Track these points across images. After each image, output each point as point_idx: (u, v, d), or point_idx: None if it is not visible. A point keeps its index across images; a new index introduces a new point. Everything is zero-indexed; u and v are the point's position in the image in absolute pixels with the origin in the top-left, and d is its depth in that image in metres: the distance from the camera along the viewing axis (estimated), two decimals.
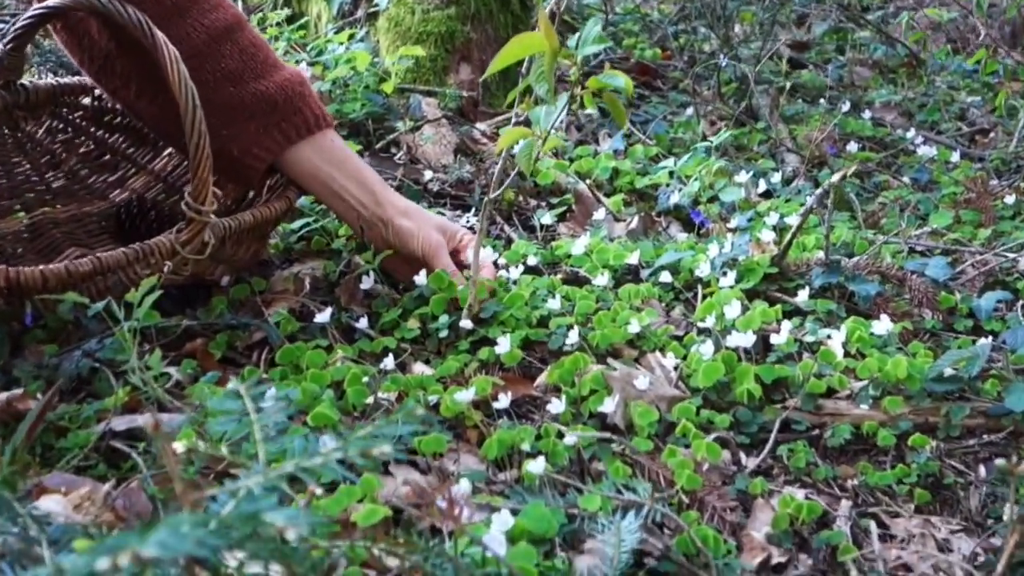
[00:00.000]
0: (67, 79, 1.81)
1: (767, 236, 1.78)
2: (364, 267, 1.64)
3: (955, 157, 2.44)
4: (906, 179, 2.35)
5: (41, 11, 1.49)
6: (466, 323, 1.52)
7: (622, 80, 1.30)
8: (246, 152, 1.57)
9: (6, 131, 1.80)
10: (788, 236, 1.67)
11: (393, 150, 2.25)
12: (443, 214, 1.99)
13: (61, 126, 1.85)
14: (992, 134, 2.80)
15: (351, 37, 2.53)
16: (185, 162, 1.86)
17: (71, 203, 1.84)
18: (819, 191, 1.70)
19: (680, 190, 2.07)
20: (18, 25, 1.56)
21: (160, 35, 1.38)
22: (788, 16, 3.85)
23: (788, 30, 3.84)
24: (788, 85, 2.91)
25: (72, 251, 1.76)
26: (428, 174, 2.14)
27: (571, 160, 2.25)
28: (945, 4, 4.02)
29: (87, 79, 1.77)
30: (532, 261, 1.75)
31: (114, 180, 1.88)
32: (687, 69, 2.91)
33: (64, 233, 1.79)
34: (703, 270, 1.68)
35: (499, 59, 1.31)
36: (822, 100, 2.96)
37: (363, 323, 1.55)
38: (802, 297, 1.61)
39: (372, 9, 2.60)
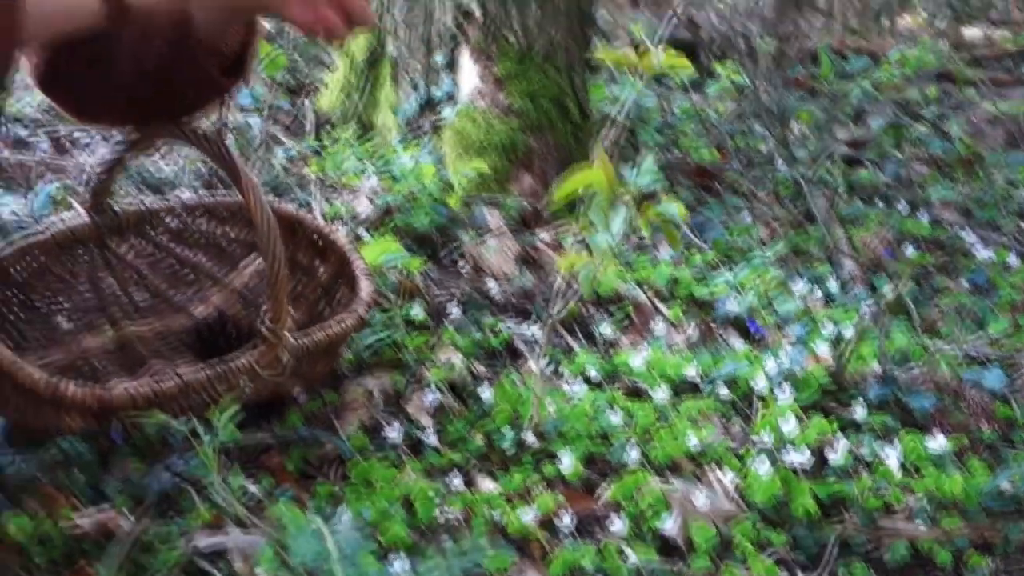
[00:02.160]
0: (153, 203, 1.92)
1: (823, 349, 1.82)
2: (431, 380, 1.71)
3: (1013, 259, 2.46)
4: (963, 281, 2.36)
5: (131, 140, 1.63)
6: (529, 437, 1.58)
7: (676, 210, 1.37)
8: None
9: (95, 250, 1.91)
10: (843, 351, 1.71)
11: (458, 260, 2.33)
12: (507, 324, 2.05)
13: (146, 245, 1.96)
14: None
15: (417, 148, 2.64)
16: (261, 279, 1.97)
17: (154, 319, 1.94)
18: (872, 307, 1.74)
19: (737, 299, 2.12)
20: (109, 157, 1.70)
21: (243, 168, 1.49)
22: (845, 112, 3.91)
23: (845, 127, 3.90)
24: (845, 186, 2.95)
25: (154, 363, 1.85)
26: (492, 284, 2.21)
27: (628, 265, 2.31)
28: (1002, 96, 4.05)
29: (172, 202, 1.91)
30: (592, 373, 1.80)
31: (195, 296, 1.98)
32: (744, 171, 2.96)
33: (148, 348, 1.89)
34: (759, 383, 1.72)
35: (560, 191, 1.40)
36: (879, 200, 2.99)
37: (432, 438, 1.62)
38: (858, 410, 1.65)
39: (437, 120, 2.71)
